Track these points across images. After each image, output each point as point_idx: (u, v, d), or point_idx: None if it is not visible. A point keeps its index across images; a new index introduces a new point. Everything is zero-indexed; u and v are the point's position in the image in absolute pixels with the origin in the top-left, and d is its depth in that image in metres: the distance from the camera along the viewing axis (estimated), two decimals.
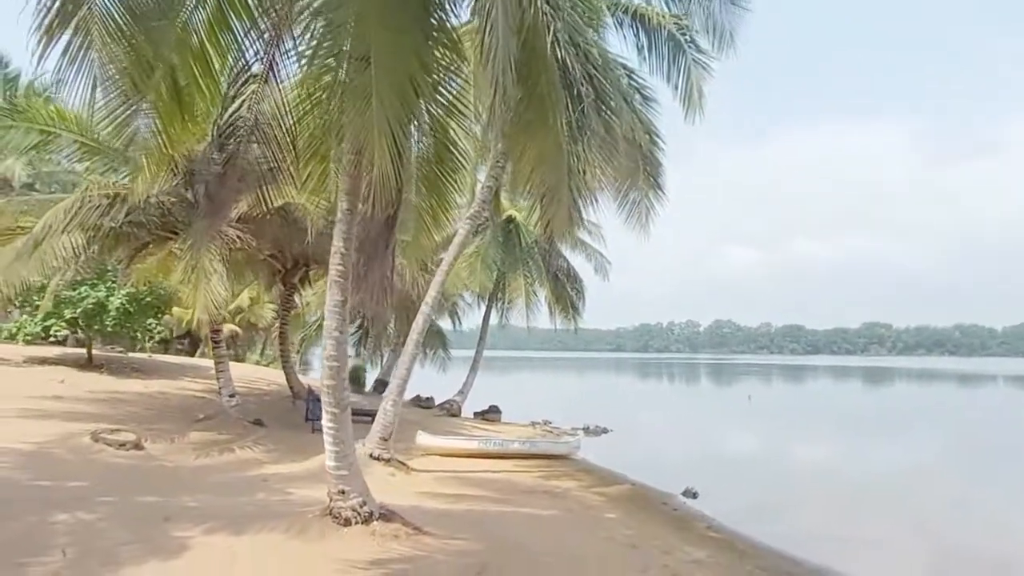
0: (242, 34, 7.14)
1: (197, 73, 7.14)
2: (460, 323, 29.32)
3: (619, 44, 12.87)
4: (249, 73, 7.89)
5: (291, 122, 8.15)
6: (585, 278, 28.14)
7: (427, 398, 26.47)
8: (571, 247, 27.62)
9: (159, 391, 17.58)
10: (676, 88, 11.09)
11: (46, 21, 5.63)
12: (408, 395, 25.65)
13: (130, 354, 23.67)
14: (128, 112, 6.84)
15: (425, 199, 8.48)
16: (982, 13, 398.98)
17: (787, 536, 10.44)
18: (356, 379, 28.72)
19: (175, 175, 13.17)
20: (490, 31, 6.23)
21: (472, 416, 24.36)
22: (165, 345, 30.51)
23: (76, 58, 5.60)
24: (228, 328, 31.40)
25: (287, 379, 19.46)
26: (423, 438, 15.23)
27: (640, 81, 12.74)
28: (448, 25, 7.22)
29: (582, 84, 7.81)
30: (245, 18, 6.99)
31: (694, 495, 13.35)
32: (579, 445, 17.50)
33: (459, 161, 8.60)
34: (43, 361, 19.10)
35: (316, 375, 21.49)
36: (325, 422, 7.48)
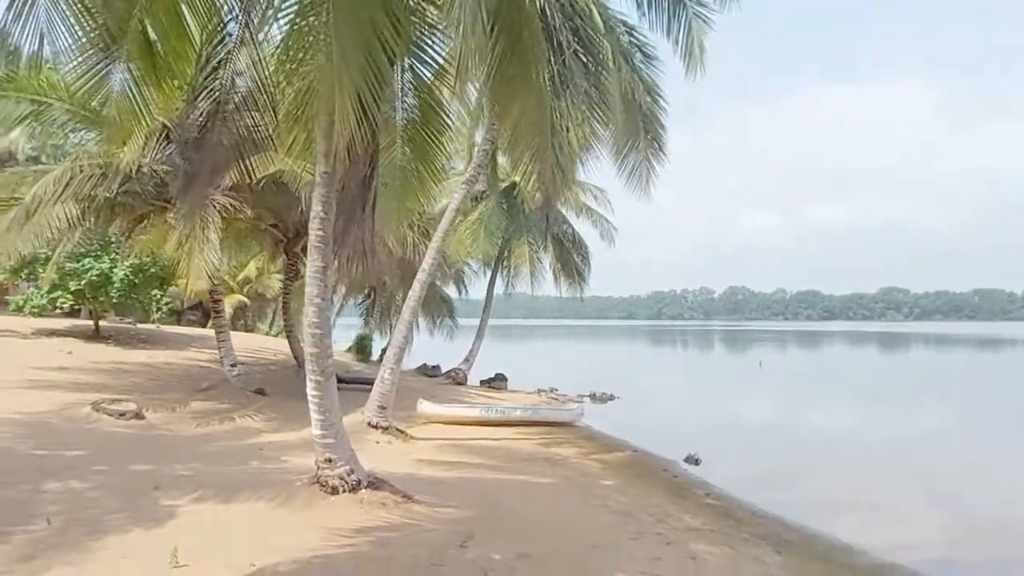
0: None
1: (169, 31, 6.90)
2: (467, 291, 29.18)
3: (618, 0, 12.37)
4: (224, 31, 7.59)
5: (270, 84, 7.88)
6: (596, 247, 27.81)
7: (434, 366, 26.54)
8: (576, 212, 27.23)
9: (164, 361, 17.70)
10: (677, 43, 10.60)
11: None
12: (415, 363, 25.83)
13: (139, 325, 23.84)
14: (104, 70, 6.64)
15: (411, 162, 8.22)
16: None
17: (789, 503, 10.29)
18: (363, 348, 28.84)
19: (168, 143, 12.97)
20: None
21: (478, 384, 24.38)
22: (177, 316, 30.70)
23: (21, 13, 5.32)
24: (236, 299, 31.59)
25: (291, 348, 19.50)
26: (425, 406, 15.18)
27: (640, 38, 12.22)
28: None
29: (562, 33, 7.42)
30: None
31: (696, 461, 13.22)
32: (582, 412, 17.42)
33: (445, 123, 8.31)
34: (52, 333, 19.30)
35: None
36: (309, 390, 7.38)
